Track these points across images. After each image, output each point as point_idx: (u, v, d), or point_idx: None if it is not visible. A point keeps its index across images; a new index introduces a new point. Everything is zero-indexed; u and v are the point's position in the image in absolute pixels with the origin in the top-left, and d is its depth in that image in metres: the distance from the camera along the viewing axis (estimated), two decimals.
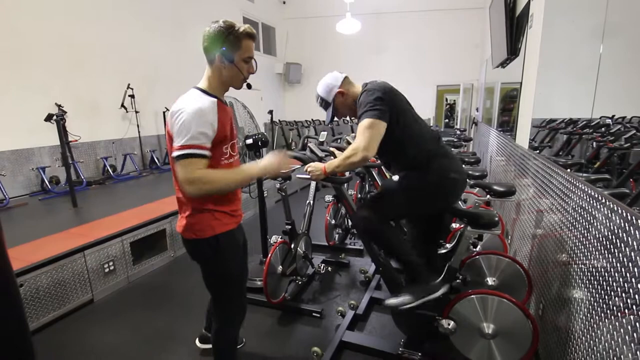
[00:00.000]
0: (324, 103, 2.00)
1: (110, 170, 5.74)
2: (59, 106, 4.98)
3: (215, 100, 1.45)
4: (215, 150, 1.43)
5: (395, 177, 2.05)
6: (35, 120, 4.57)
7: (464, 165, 2.81)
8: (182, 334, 2.43)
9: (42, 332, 2.48)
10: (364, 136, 1.70)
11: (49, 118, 4.36)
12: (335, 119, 2.05)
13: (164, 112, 6.86)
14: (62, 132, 4.17)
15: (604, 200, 1.35)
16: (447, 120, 12.89)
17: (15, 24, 4.63)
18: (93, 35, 5.62)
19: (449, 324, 1.89)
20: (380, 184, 3.55)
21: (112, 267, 3.02)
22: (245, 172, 1.48)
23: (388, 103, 1.74)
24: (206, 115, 1.37)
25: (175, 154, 1.35)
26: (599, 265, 1.35)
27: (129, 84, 6.07)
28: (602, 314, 1.29)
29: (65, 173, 4.19)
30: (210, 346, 2.20)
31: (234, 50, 1.43)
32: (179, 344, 2.33)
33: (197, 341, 2.25)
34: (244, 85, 1.54)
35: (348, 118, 1.95)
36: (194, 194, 1.38)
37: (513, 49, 3.88)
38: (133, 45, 6.30)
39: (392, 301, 1.92)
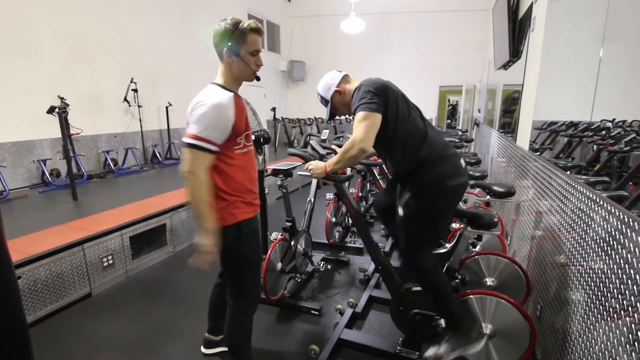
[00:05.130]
0: (324, 101, 2.04)
1: (111, 164, 5.75)
2: (62, 99, 4.99)
3: (232, 94, 1.52)
4: (230, 141, 1.52)
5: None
6: (38, 113, 4.57)
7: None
8: (180, 329, 2.44)
9: (38, 325, 2.49)
10: (359, 128, 1.69)
11: (51, 110, 4.37)
12: (337, 117, 2.08)
13: (167, 107, 6.87)
14: (64, 124, 4.19)
15: (602, 203, 1.36)
16: (449, 121, 12.92)
17: (20, 15, 4.64)
18: (98, 28, 5.63)
19: None
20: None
21: (111, 261, 3.02)
22: (204, 218, 1.50)
23: (381, 96, 1.73)
24: (225, 110, 1.46)
25: (186, 140, 1.43)
26: (596, 267, 1.36)
27: (132, 78, 6.07)
28: (599, 316, 1.29)
29: (67, 166, 4.20)
30: (218, 350, 2.16)
31: (240, 45, 1.49)
32: (176, 339, 2.34)
33: (202, 348, 2.19)
34: (254, 78, 1.59)
35: (350, 117, 1.97)
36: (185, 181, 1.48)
37: (515, 51, 3.89)
38: (138, 39, 6.31)
39: (431, 353, 1.88)
